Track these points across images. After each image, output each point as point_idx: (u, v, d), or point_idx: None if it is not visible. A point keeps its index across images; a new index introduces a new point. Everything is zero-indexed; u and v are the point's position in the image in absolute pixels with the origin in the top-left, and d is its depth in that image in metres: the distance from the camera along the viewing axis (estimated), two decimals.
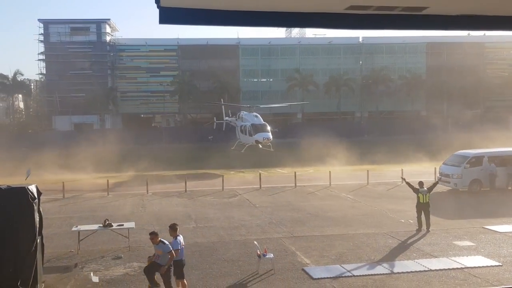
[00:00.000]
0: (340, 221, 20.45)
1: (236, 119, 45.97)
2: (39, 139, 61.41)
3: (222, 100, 55.26)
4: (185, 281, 12.23)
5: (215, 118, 58.35)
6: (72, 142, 58.87)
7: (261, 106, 49.02)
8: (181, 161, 42.17)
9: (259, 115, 43.48)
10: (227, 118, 51.50)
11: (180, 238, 12.31)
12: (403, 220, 20.34)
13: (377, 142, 49.30)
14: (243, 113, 44.08)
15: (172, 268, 11.86)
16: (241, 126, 43.07)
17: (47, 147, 56.78)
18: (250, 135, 41.30)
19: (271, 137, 41.61)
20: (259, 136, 41.09)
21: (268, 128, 42.08)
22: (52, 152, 54.22)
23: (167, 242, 11.81)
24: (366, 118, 75.78)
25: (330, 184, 29.51)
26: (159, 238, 11.90)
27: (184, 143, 56.69)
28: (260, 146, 41.54)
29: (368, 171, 30.52)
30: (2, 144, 55.93)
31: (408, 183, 19.90)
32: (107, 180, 28.69)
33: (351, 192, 27.39)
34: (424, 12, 4.97)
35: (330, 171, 30.43)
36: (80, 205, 25.34)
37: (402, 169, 30.04)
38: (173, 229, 12.41)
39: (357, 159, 39.34)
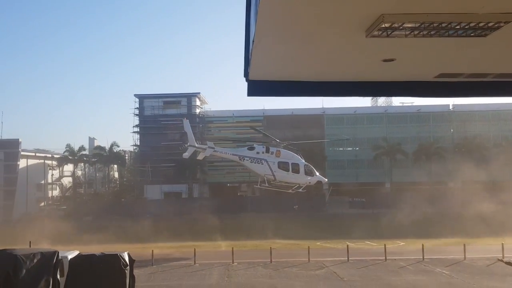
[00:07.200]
0: None
1: (259, 153, 41.42)
2: (131, 208, 64.14)
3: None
4: None
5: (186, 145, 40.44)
6: (162, 211, 61.07)
7: (292, 142, 45.47)
8: (264, 231, 41.84)
9: None
10: (214, 148, 41.22)
11: None
12: None
13: (472, 213, 46.29)
14: (280, 150, 40.80)
15: None
16: (279, 163, 39.87)
17: (139, 216, 59.25)
18: (309, 174, 38.98)
19: None
20: (322, 178, 39.39)
21: None
22: (143, 221, 56.40)
23: None
24: (459, 188, 71.86)
25: (423, 258, 27.85)
26: None
27: (269, 212, 56.57)
28: (292, 190, 39.20)
29: (464, 244, 28.53)
30: (99, 212, 59.17)
31: (508, 263, 18.34)
32: (194, 249, 29.01)
33: (447, 267, 25.62)
34: None
35: (423, 244, 28.77)
36: (168, 273, 25.73)
37: (502, 244, 27.89)
38: None
39: (450, 231, 37.03)
